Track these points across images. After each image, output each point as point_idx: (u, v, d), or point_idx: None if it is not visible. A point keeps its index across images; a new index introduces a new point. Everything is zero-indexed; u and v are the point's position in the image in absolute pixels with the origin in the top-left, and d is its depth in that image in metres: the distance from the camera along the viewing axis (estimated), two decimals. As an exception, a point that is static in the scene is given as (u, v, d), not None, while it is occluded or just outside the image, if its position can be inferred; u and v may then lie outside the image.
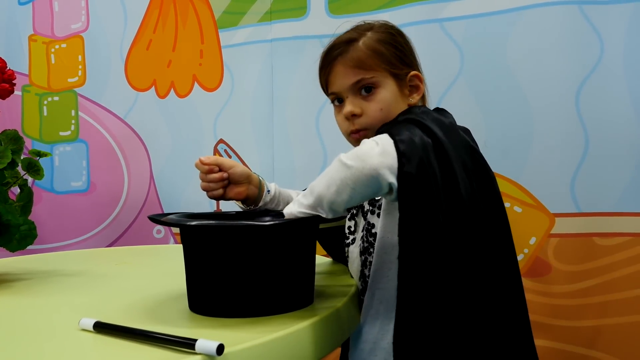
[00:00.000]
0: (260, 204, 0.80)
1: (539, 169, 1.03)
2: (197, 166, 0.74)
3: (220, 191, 0.74)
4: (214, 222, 0.53)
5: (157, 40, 1.42)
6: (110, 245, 1.46)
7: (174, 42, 1.40)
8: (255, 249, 0.52)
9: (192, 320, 0.54)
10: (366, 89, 0.72)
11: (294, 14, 1.25)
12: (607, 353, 1.00)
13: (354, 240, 0.75)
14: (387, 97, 0.72)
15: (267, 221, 0.52)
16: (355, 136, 0.73)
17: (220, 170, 0.74)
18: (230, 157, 1.34)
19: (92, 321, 0.49)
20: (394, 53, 0.73)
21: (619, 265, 0.99)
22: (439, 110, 0.71)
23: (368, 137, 0.69)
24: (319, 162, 1.23)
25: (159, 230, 1.42)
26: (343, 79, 0.72)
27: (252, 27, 1.31)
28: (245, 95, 1.32)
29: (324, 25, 1.22)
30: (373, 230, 0.70)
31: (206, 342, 0.41)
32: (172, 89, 1.40)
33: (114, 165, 1.46)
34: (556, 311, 1.02)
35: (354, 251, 0.74)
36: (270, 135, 1.28)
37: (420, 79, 0.75)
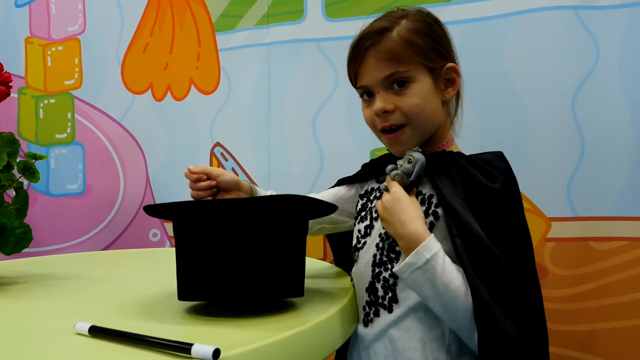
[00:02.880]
0: None
1: (535, 173, 1.04)
2: (186, 175, 0.76)
3: (209, 199, 0.76)
4: (193, 201, 0.54)
5: (154, 43, 1.42)
6: (106, 248, 1.45)
7: (170, 45, 1.40)
8: (238, 228, 0.53)
9: (187, 324, 0.54)
10: (399, 83, 0.68)
11: (291, 18, 1.26)
12: (603, 357, 1.00)
13: (364, 244, 0.73)
14: (422, 92, 0.68)
15: (251, 211, 0.53)
16: (389, 136, 0.70)
17: (209, 178, 0.75)
18: (227, 160, 1.34)
19: (88, 325, 0.49)
20: (430, 44, 0.68)
21: (615, 270, 1.00)
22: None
23: (405, 137, 0.70)
24: (315, 165, 1.23)
25: (155, 233, 1.42)
26: (374, 72, 0.68)
27: (249, 30, 1.31)
28: (242, 99, 1.32)
29: (321, 29, 1.22)
30: (397, 248, 0.66)
31: (202, 347, 0.41)
32: (168, 92, 1.40)
33: (109, 168, 1.46)
34: (552, 315, 1.02)
35: (363, 257, 0.72)
36: (267, 139, 1.28)
37: (456, 71, 0.71)
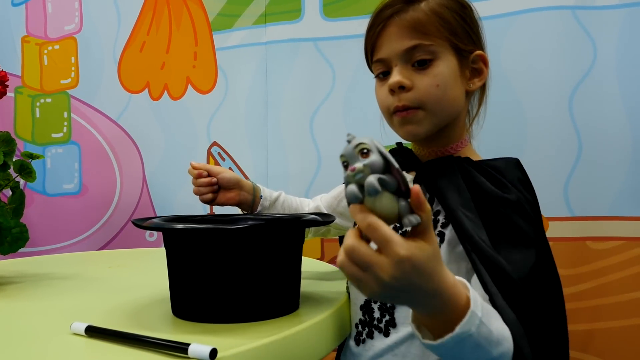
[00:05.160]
0: (259, 209, 0.81)
1: (532, 173, 1.02)
2: (189, 172, 0.76)
3: (210, 195, 0.77)
4: (182, 225, 0.51)
5: (151, 42, 1.42)
6: (102, 248, 1.45)
7: (167, 44, 1.40)
8: (229, 252, 0.52)
9: (184, 324, 0.54)
10: (420, 62, 0.61)
11: (288, 17, 1.26)
12: (600, 357, 1.00)
13: None
14: (445, 73, 0.61)
15: (242, 224, 0.51)
16: (402, 114, 0.62)
17: (209, 175, 0.76)
18: (224, 159, 1.33)
19: (84, 325, 0.49)
20: (460, 24, 0.62)
21: (612, 269, 1.00)
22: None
23: (418, 117, 0.62)
24: (313, 165, 1.23)
25: (152, 233, 1.41)
26: (395, 42, 0.61)
27: (246, 29, 1.31)
28: (239, 98, 1.32)
29: (319, 28, 1.22)
30: None
31: (199, 347, 0.41)
32: (165, 91, 1.40)
33: (106, 168, 1.45)
34: (550, 315, 1.03)
35: None
36: (264, 139, 1.28)
37: (485, 61, 0.65)
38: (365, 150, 0.38)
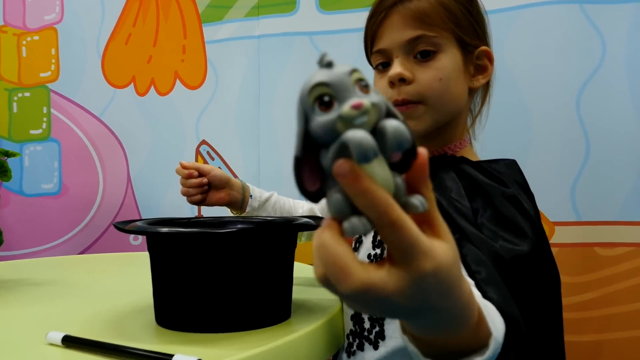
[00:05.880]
0: (247, 210, 0.80)
1: (538, 175, 1.04)
2: (177, 171, 0.76)
3: (199, 197, 0.77)
4: (166, 229, 0.51)
5: (137, 34, 1.41)
6: (82, 252, 1.44)
7: (154, 37, 1.39)
8: (217, 258, 0.51)
9: (168, 334, 0.53)
10: (423, 54, 0.61)
11: (282, 9, 1.26)
12: (608, 369, 1.01)
13: (356, 248, 0.68)
14: (449, 67, 0.61)
15: (231, 228, 0.50)
16: (400, 109, 0.61)
17: (200, 175, 0.75)
18: (213, 159, 1.33)
19: (61, 335, 0.48)
20: (466, 16, 0.62)
21: (622, 277, 1.01)
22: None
23: (418, 112, 0.61)
24: (307, 165, 1.23)
25: (136, 236, 1.41)
26: (397, 32, 0.61)
27: (238, 22, 1.30)
28: (230, 94, 1.31)
29: (314, 22, 1.22)
30: None
31: (183, 358, 0.41)
32: (152, 86, 1.40)
33: (88, 167, 1.44)
34: (555, 325, 1.03)
35: None
36: (256, 137, 1.28)
37: (490, 58, 0.66)
38: (364, 83, 0.27)
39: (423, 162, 0.28)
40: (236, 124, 1.31)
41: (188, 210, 1.31)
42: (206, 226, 0.66)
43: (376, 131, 0.27)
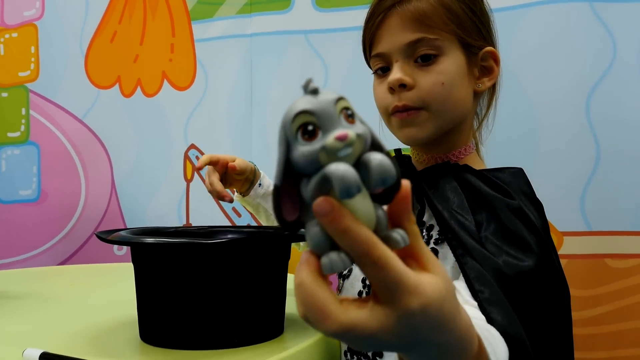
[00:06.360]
0: (251, 194, 0.82)
1: (545, 182, 1.04)
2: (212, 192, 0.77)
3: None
4: (152, 239, 0.51)
5: (123, 31, 1.41)
6: (62, 263, 1.43)
7: (141, 35, 1.40)
8: (205, 270, 0.51)
9: (151, 353, 0.53)
10: (424, 57, 0.61)
11: (276, 6, 1.26)
12: (620, 388, 1.01)
13: (350, 272, 0.70)
14: (451, 71, 0.61)
15: (221, 238, 0.50)
16: (401, 115, 0.62)
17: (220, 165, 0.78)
18: (202, 164, 1.33)
19: (39, 352, 0.48)
20: (469, 17, 0.62)
21: (635, 290, 1.01)
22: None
23: (420, 119, 0.62)
24: (302, 171, 1.23)
25: (121, 246, 1.40)
26: (396, 35, 0.61)
27: (229, 19, 1.31)
28: (221, 96, 1.31)
29: (310, 20, 1.22)
30: None
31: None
32: (138, 87, 1.40)
33: (69, 172, 1.44)
34: (565, 341, 1.03)
35: (349, 290, 0.68)
36: (249, 141, 1.28)
37: (496, 58, 0.66)
38: (350, 113, 0.27)
39: (406, 195, 0.29)
40: (227, 128, 1.31)
41: (175, 219, 1.31)
42: (194, 236, 0.66)
43: (360, 163, 0.27)
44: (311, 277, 0.27)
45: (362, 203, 0.27)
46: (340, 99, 0.27)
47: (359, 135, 0.26)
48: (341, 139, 0.26)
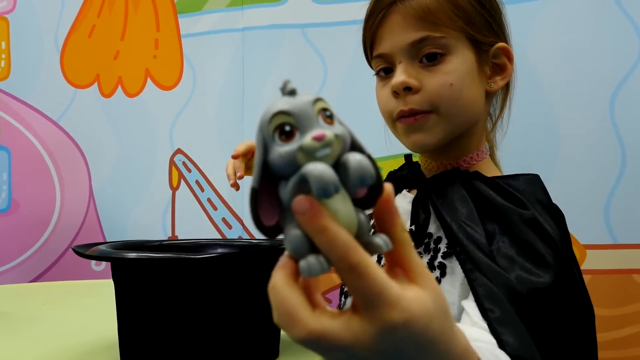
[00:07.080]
0: None
1: (566, 190, 1.05)
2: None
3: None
4: (134, 254, 0.50)
5: (102, 26, 1.41)
6: (35, 279, 1.43)
7: (122, 29, 1.40)
8: (193, 287, 0.51)
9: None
10: (429, 57, 0.61)
11: (271, -2, 1.27)
12: (649, 417, 1.00)
13: None
14: (460, 71, 0.61)
15: (210, 253, 0.50)
16: (408, 120, 0.62)
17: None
18: (190, 171, 1.33)
19: (8, 379, 0.48)
20: (478, 11, 0.62)
21: (664, 309, 1.01)
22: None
23: (429, 124, 0.62)
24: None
25: (99, 261, 1.40)
26: (399, 34, 0.61)
27: (219, 12, 1.31)
28: (210, 96, 1.32)
29: (306, 13, 1.23)
30: None
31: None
32: (119, 87, 1.40)
33: (43, 179, 1.44)
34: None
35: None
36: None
37: (509, 55, 0.66)
38: (329, 114, 0.29)
39: (388, 198, 0.29)
40: (217, 131, 1.31)
41: (160, 232, 1.31)
42: (181, 250, 0.66)
43: (339, 165, 0.28)
44: (284, 281, 0.29)
45: (342, 205, 0.28)
46: (318, 100, 0.29)
47: (337, 136, 0.28)
48: (318, 138, 0.27)
